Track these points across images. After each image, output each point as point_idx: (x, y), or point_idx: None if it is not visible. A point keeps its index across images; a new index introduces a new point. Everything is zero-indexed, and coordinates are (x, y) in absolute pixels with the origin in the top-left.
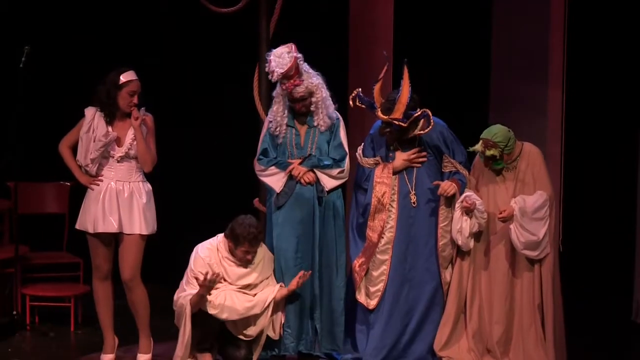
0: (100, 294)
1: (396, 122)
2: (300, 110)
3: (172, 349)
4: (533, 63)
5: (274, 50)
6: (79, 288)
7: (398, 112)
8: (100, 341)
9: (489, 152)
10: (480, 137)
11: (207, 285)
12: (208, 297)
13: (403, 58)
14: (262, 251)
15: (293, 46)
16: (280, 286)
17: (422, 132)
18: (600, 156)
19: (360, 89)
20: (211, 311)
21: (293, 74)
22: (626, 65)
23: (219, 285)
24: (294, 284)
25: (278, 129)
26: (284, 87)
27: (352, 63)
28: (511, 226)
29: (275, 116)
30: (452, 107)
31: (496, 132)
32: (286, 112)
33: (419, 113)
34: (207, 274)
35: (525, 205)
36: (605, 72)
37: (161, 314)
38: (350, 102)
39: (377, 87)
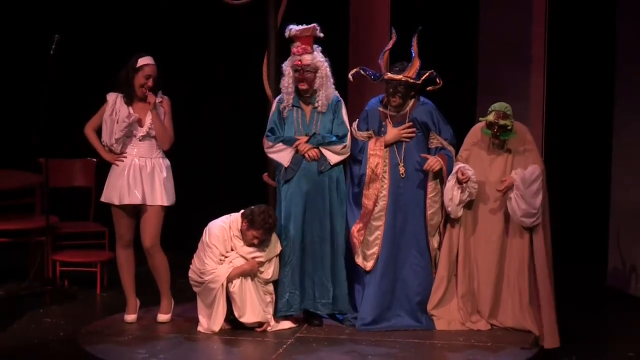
0: (123, 260)
1: (411, 80)
2: (301, 81)
3: (189, 309)
4: (517, 51)
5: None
6: (104, 255)
7: (411, 72)
8: (124, 303)
9: (502, 122)
10: (492, 110)
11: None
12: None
13: (397, 46)
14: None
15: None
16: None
17: (432, 87)
18: (578, 136)
19: (361, 66)
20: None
21: (309, 35)
22: (602, 53)
23: (230, 252)
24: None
25: (286, 101)
26: (294, 51)
27: (352, 51)
28: (511, 195)
29: (287, 88)
30: (441, 90)
31: (507, 106)
32: (292, 85)
33: (430, 73)
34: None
35: (524, 176)
36: (583, 60)
37: (178, 278)
38: (350, 77)
39: (386, 56)
